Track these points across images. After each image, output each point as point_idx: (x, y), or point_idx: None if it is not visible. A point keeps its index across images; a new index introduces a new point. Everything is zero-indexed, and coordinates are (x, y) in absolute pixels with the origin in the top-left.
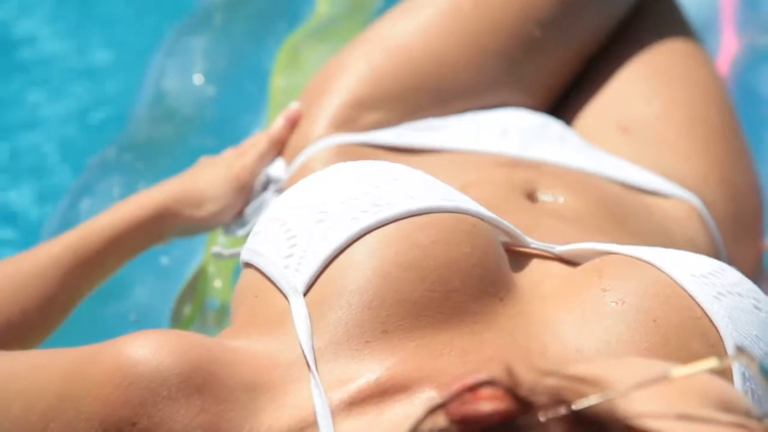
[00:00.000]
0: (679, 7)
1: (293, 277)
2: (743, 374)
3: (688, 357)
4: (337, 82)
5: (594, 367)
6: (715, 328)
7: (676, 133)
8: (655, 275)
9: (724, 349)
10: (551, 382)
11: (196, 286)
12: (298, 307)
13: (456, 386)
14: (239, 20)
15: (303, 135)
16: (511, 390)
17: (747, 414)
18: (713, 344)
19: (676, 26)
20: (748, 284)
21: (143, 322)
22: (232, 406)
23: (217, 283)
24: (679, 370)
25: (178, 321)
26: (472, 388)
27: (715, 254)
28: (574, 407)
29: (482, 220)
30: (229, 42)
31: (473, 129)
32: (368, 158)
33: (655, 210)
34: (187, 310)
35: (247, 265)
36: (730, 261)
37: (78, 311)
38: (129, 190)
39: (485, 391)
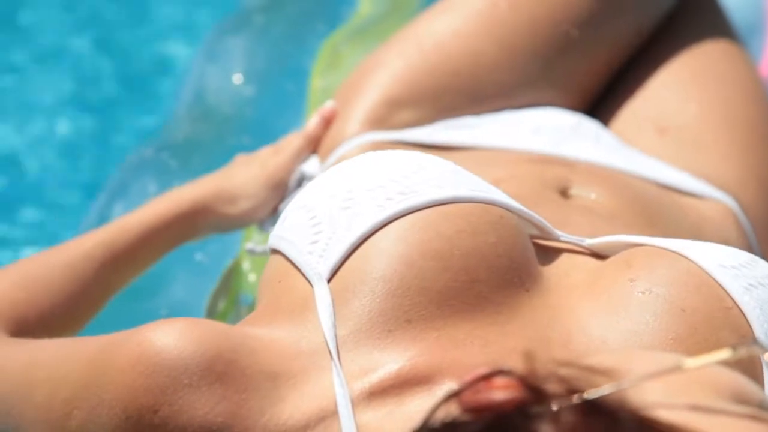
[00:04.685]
0: (721, 10)
1: (317, 264)
2: None
3: (716, 347)
4: (372, 80)
5: (608, 358)
6: (746, 319)
7: (713, 134)
8: (685, 265)
9: (755, 340)
10: (565, 371)
11: (230, 282)
12: (322, 294)
13: (470, 376)
14: (279, 20)
15: (337, 133)
16: (525, 379)
17: (761, 406)
18: (743, 335)
19: (717, 28)
20: None
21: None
22: (253, 395)
23: (251, 278)
24: (690, 361)
25: (211, 317)
26: (486, 378)
27: None
28: (586, 397)
29: (510, 211)
30: (269, 42)
31: (507, 127)
32: None
33: (689, 210)
34: (222, 304)
35: (274, 251)
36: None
37: (112, 306)
38: (165, 188)
39: (499, 381)
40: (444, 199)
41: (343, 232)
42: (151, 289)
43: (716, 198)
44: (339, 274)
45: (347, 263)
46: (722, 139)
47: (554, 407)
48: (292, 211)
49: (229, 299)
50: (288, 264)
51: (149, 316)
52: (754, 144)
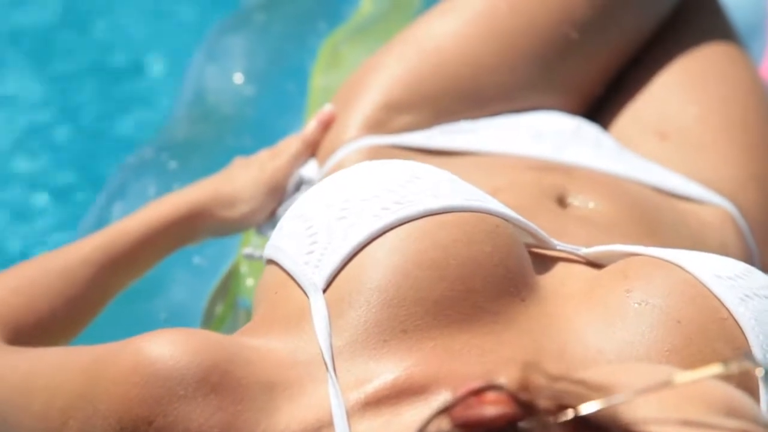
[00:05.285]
0: (721, 11)
1: (313, 274)
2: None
3: (711, 359)
4: (371, 83)
5: (600, 372)
6: (741, 330)
7: (713, 137)
8: (681, 276)
9: (747, 354)
10: (557, 386)
11: (228, 286)
12: (318, 305)
13: (461, 390)
14: (280, 19)
15: (335, 137)
16: (516, 394)
17: (755, 421)
18: (738, 346)
19: (718, 30)
20: None
21: (176, 321)
22: (249, 406)
23: (249, 282)
24: (682, 376)
25: (209, 320)
26: (477, 392)
27: (748, 261)
28: (577, 412)
29: (506, 220)
30: (270, 41)
31: (506, 132)
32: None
33: (688, 216)
34: (219, 309)
35: (270, 261)
36: (764, 268)
37: (110, 309)
38: (164, 190)
39: (490, 395)
40: (440, 209)
41: (338, 242)
42: (149, 292)
43: (715, 202)
44: (334, 284)
45: (343, 273)
46: (722, 142)
47: (545, 423)
48: (288, 220)
49: (226, 303)
50: (284, 274)
51: (147, 319)
52: (754, 147)
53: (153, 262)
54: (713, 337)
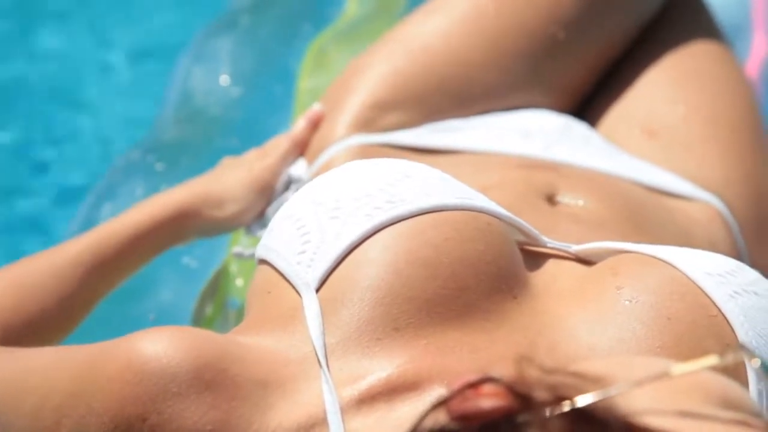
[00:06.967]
0: (707, 10)
1: (306, 273)
2: (758, 373)
3: (701, 355)
4: (359, 83)
5: (597, 365)
6: (731, 326)
7: (700, 135)
8: (670, 273)
9: (743, 345)
10: (553, 379)
11: (218, 286)
12: (310, 303)
13: (458, 383)
14: (266, 22)
15: (324, 136)
16: (513, 387)
17: (750, 412)
18: (728, 343)
19: (704, 29)
20: (765, 284)
21: (165, 321)
22: (243, 403)
23: (239, 282)
24: (679, 368)
25: (199, 320)
26: (474, 385)
27: (737, 257)
28: (574, 404)
29: (497, 218)
30: (256, 43)
31: (495, 130)
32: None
33: (677, 213)
34: (209, 309)
35: (262, 261)
36: (753, 264)
37: (99, 310)
38: (152, 191)
39: (487, 388)
40: (431, 207)
41: (331, 241)
42: (138, 292)
43: (703, 199)
44: (327, 283)
45: (336, 273)
46: (709, 140)
47: (542, 415)
48: (279, 221)
49: (216, 303)
50: (276, 274)
51: (137, 319)
52: (741, 144)
53: (142, 263)
54: (703, 334)
